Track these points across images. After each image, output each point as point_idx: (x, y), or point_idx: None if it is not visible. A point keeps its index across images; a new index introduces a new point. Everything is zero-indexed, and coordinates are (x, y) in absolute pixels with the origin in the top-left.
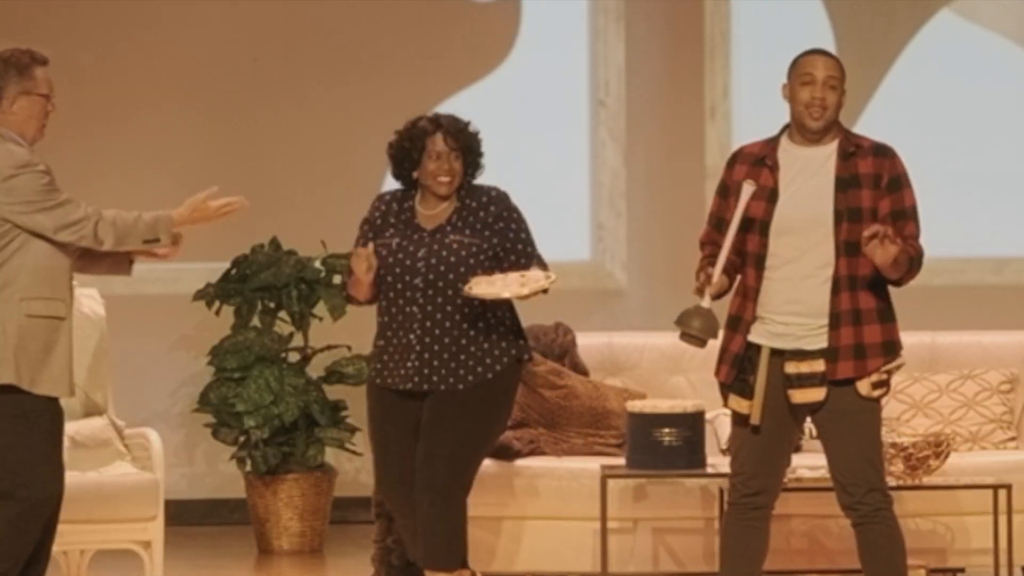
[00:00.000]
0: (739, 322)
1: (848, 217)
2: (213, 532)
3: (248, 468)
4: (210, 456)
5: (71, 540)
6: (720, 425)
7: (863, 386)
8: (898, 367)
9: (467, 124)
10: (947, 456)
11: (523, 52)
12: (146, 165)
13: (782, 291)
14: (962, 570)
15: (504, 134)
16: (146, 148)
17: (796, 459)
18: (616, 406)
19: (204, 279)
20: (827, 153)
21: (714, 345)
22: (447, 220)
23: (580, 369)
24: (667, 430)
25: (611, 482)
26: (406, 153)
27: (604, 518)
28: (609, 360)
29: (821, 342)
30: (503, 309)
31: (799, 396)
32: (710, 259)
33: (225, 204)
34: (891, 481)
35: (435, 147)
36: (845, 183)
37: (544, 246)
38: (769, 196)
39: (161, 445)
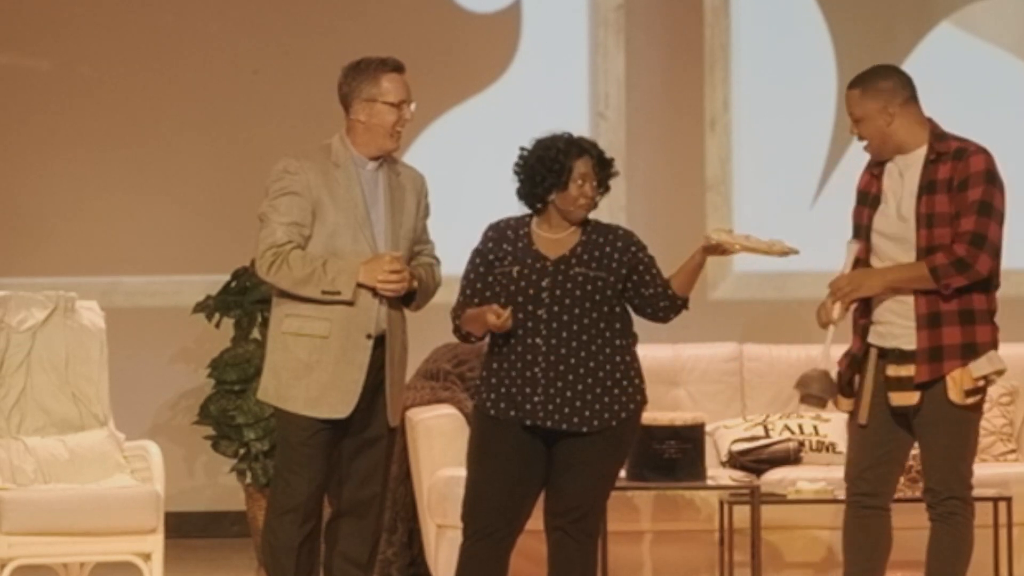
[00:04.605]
0: (855, 324)
1: (927, 223)
2: (213, 544)
3: (248, 480)
4: (210, 468)
5: (70, 552)
6: (720, 437)
7: (953, 392)
8: (996, 373)
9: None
10: None
11: (523, 64)
12: (146, 176)
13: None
14: None
15: (503, 147)
16: (146, 160)
17: (796, 471)
18: None
19: (204, 291)
20: (914, 160)
21: (714, 354)
22: (571, 251)
23: None
24: (667, 442)
25: (612, 494)
26: (554, 175)
27: (604, 530)
28: None
29: (913, 342)
30: (629, 352)
31: (896, 399)
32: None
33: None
34: None
35: (580, 170)
36: (925, 189)
37: None
38: (871, 202)
39: (161, 457)
